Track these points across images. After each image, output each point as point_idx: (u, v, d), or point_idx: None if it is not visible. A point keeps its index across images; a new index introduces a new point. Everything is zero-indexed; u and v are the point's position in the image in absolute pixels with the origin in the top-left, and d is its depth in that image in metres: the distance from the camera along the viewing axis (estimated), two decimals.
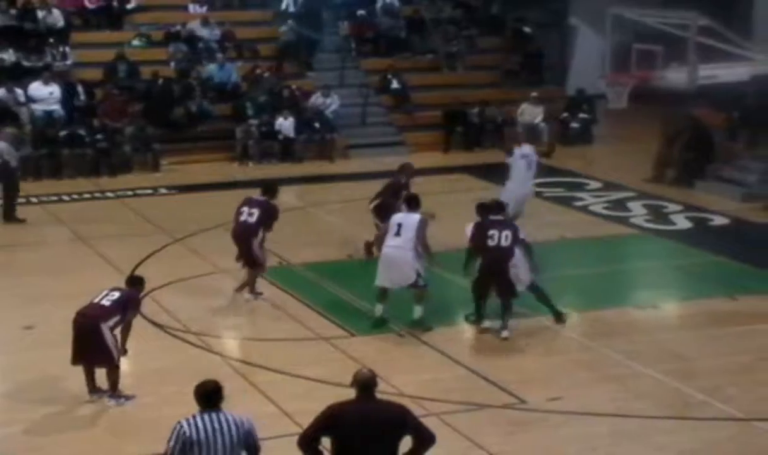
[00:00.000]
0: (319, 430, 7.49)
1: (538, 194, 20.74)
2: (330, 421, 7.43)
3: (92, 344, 10.81)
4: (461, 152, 24.61)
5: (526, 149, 18.07)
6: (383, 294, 13.11)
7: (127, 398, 11.07)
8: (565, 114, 25.97)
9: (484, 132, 25.27)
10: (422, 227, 12.99)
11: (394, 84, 25.75)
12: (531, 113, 25.26)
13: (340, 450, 7.42)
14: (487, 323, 13.06)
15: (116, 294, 11.13)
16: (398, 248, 12.79)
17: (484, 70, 27.14)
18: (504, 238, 12.59)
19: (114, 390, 11.06)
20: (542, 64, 27.60)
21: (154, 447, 9.93)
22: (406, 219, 13.00)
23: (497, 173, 22.37)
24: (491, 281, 12.82)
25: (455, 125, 25.13)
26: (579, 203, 20.11)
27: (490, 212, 13.12)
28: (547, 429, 10.56)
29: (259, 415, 10.65)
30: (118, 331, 11.06)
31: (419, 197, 13.55)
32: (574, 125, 25.84)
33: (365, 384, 7.50)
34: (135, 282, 11.73)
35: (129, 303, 11.14)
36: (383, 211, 14.97)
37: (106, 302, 11.00)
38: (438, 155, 24.33)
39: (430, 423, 10.21)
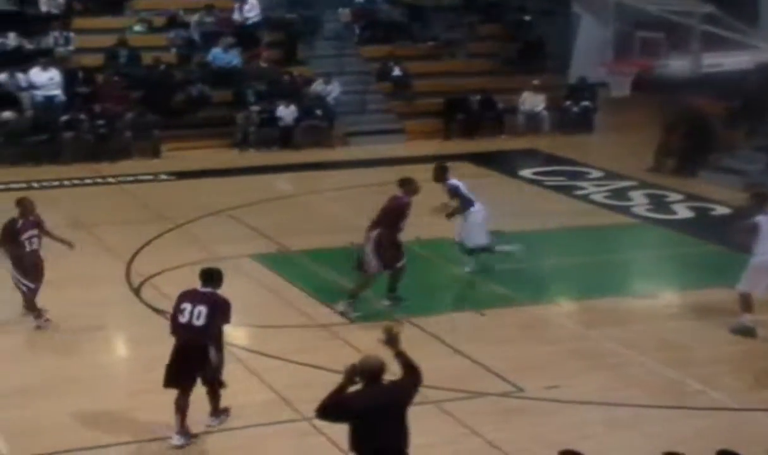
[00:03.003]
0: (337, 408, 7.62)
1: (539, 183, 20.83)
2: (346, 409, 7.60)
3: None
4: (461, 140, 24.59)
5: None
6: None
7: (47, 320, 12.59)
8: (567, 102, 25.93)
9: (484, 120, 25.25)
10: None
11: (395, 71, 25.72)
12: (532, 102, 25.28)
13: (358, 436, 7.58)
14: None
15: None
16: None
17: (485, 57, 27.10)
18: (196, 315, 9.84)
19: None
20: (543, 52, 27.56)
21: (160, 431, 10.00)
22: None
23: (498, 160, 22.52)
24: (185, 367, 9.91)
25: (455, 112, 25.12)
26: (580, 192, 20.11)
27: (200, 280, 10.18)
28: (542, 417, 10.60)
29: (258, 402, 10.79)
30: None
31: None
32: (575, 109, 25.78)
33: (375, 373, 7.61)
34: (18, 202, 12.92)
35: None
36: (384, 247, 13.25)
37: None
38: (438, 143, 24.31)
39: (427, 410, 10.37)
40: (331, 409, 7.62)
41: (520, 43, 27.39)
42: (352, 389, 7.67)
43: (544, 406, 10.79)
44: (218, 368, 10.05)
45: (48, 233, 13.15)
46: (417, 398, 9.97)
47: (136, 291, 14.04)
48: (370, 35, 26.81)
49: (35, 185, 19.86)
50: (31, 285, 12.86)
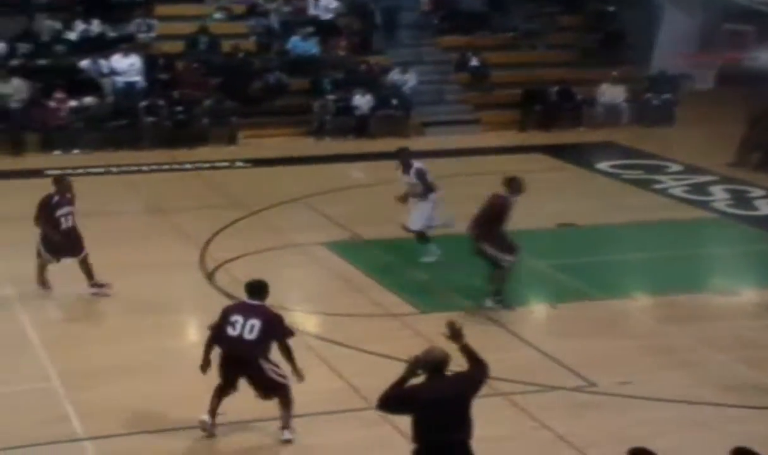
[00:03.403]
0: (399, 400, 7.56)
1: (616, 176, 20.51)
2: (409, 401, 7.51)
3: None
4: (538, 132, 24.33)
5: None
6: None
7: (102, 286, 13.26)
8: (648, 94, 25.49)
9: (562, 111, 24.96)
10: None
11: (473, 62, 25.54)
12: (611, 93, 24.91)
13: (420, 428, 7.51)
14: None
15: None
16: None
17: (565, 48, 26.76)
18: (249, 328, 9.55)
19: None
20: (625, 43, 27.12)
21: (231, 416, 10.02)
22: None
23: (575, 153, 22.24)
24: (236, 377, 9.77)
25: (533, 103, 24.87)
26: (658, 186, 19.78)
27: (247, 293, 9.95)
28: (615, 413, 10.43)
29: (327, 389, 10.79)
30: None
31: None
32: (656, 102, 25.33)
33: (439, 364, 7.53)
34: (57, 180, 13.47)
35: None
36: (493, 234, 13.08)
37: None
38: (514, 134, 24.10)
39: (497, 403, 10.28)
40: (393, 401, 7.55)
41: (601, 33, 27.00)
42: (414, 381, 7.58)
43: (617, 402, 10.62)
44: (282, 376, 9.63)
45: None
46: (487, 390, 9.88)
47: (210, 276, 14.16)
48: (449, 25, 26.66)
49: (114, 169, 20.19)
50: (50, 258, 13.27)
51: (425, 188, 14.60)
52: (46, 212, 13.15)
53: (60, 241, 13.16)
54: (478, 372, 7.70)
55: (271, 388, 9.65)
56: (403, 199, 14.90)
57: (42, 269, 13.43)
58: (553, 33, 26.88)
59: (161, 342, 12.13)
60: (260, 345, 9.53)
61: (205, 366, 9.75)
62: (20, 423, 9.95)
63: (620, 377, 11.05)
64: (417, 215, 14.66)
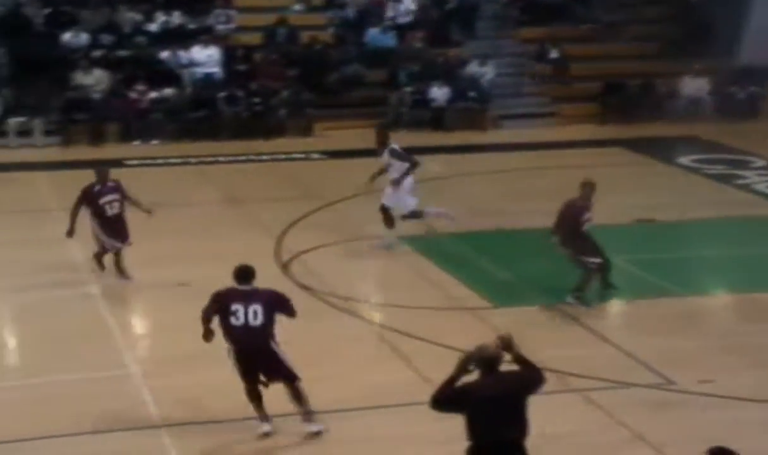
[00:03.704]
0: (452, 399, 7.41)
1: (698, 171, 20.10)
2: (461, 399, 7.37)
3: None
4: (618, 125, 23.96)
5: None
6: None
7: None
8: (733, 88, 24.92)
9: (643, 104, 24.53)
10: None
11: (552, 54, 25.24)
12: (694, 86, 24.42)
13: (474, 426, 7.36)
14: None
15: None
16: None
17: (647, 40, 26.28)
18: (252, 315, 9.34)
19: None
20: (710, 35, 26.52)
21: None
22: None
23: (655, 147, 21.84)
24: (255, 368, 9.50)
25: (613, 96, 24.49)
26: (741, 182, 19.33)
27: (237, 279, 9.59)
28: (692, 412, 10.19)
29: (400, 381, 10.73)
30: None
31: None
32: (741, 95, 24.75)
33: (493, 361, 7.38)
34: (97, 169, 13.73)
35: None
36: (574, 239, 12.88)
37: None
38: (593, 128, 23.76)
39: (573, 399, 10.12)
40: (446, 399, 7.40)
41: (686, 25, 26.45)
42: (467, 378, 7.44)
43: (696, 400, 10.37)
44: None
45: (129, 199, 13.69)
46: (562, 386, 9.83)
47: (285, 267, 14.20)
48: (529, 17, 26.38)
49: (192, 160, 20.36)
50: (118, 245, 13.52)
51: (408, 164, 14.88)
52: (88, 200, 13.42)
53: (110, 228, 13.42)
54: (532, 373, 7.52)
55: (286, 372, 9.42)
56: (376, 176, 15.23)
57: (117, 258, 13.61)
58: (636, 25, 26.41)
59: None
60: (267, 327, 9.37)
61: (206, 333, 9.56)
62: (98, 409, 10.07)
63: (699, 375, 10.79)
64: (403, 197, 14.94)
